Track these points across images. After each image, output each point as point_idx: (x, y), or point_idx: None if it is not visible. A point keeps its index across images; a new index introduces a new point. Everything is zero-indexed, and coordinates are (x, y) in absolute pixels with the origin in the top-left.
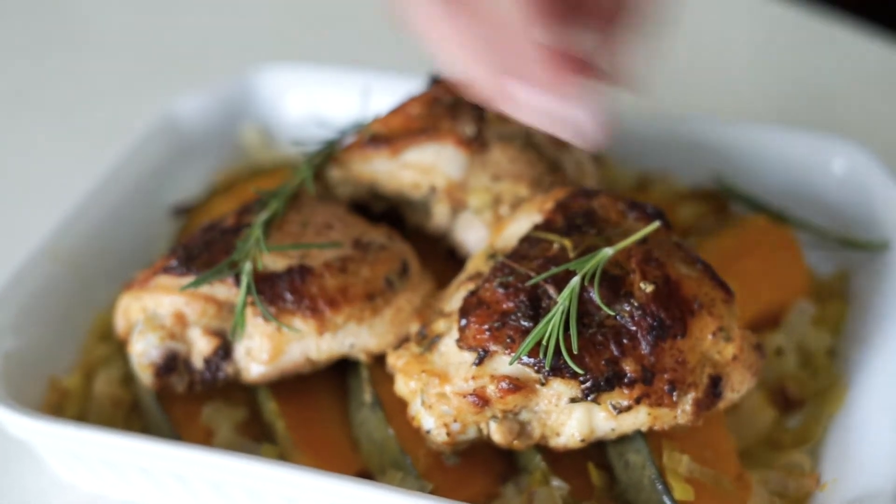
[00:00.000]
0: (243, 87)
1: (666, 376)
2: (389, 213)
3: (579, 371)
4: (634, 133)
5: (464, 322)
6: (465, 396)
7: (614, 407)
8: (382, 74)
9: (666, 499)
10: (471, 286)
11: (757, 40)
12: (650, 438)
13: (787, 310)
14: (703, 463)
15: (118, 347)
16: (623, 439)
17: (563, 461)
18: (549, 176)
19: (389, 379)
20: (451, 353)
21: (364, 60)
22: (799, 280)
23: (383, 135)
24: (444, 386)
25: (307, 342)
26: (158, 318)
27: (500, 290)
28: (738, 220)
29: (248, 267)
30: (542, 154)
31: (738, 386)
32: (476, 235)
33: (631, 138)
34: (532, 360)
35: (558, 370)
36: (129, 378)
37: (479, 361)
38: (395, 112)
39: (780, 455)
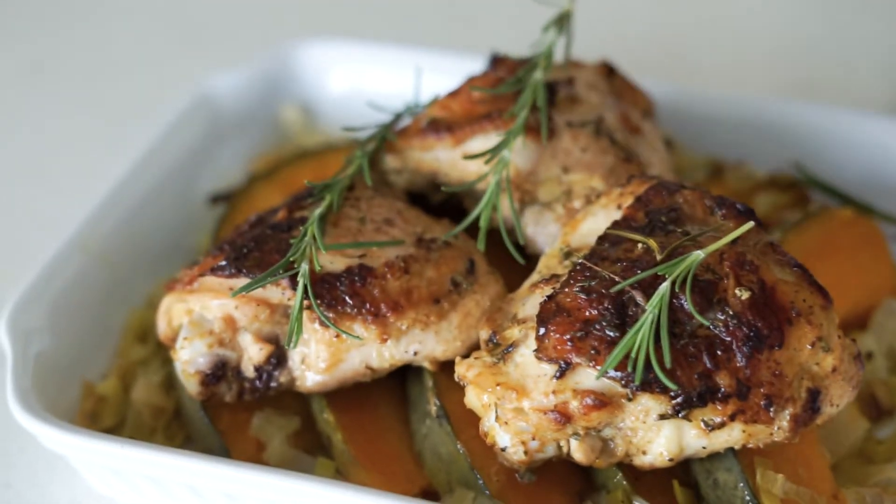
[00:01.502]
0: (284, 62)
1: (762, 390)
2: (448, 203)
3: (672, 386)
4: (706, 116)
5: (542, 331)
6: (545, 413)
7: (706, 423)
8: (435, 52)
9: None
10: (547, 290)
11: (834, 19)
12: (741, 455)
13: (874, 310)
14: (798, 482)
15: (156, 348)
16: (712, 456)
17: (645, 478)
18: (624, 165)
19: (456, 388)
20: (529, 365)
21: (413, 37)
22: (887, 277)
23: (444, 121)
24: (522, 400)
25: (368, 349)
26: (206, 322)
27: (582, 296)
28: (821, 213)
29: (304, 268)
30: (615, 141)
31: (838, 400)
32: (547, 231)
33: (703, 121)
34: (619, 373)
35: (648, 384)
36: (169, 383)
37: (561, 374)
38: (456, 94)
39: (873, 470)
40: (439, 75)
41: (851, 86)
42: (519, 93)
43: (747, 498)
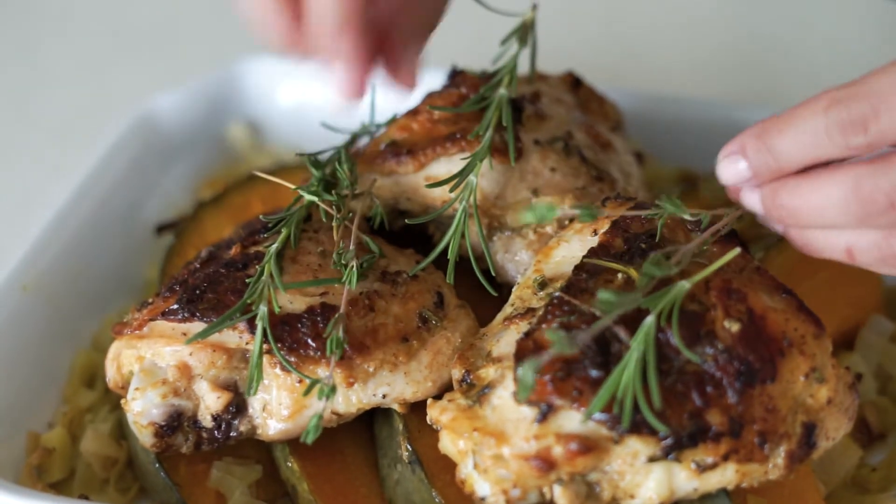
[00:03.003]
0: (229, 80)
1: (755, 427)
2: (410, 229)
3: (662, 428)
4: (677, 124)
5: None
6: (527, 460)
7: (698, 464)
8: None
9: None
10: (523, 325)
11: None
12: (733, 494)
13: (861, 327)
14: None
15: (104, 393)
16: (703, 497)
17: None
18: (596, 184)
19: (428, 430)
20: (507, 408)
21: None
22: (872, 291)
23: (405, 142)
24: (502, 447)
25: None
26: (158, 370)
27: (562, 333)
28: None
29: (263, 310)
30: (585, 159)
31: (834, 433)
32: (518, 258)
33: (673, 130)
34: (605, 416)
35: (636, 426)
36: (120, 432)
37: (543, 418)
38: (415, 113)
39: (868, 500)
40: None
41: (814, 87)
42: (483, 110)
43: None
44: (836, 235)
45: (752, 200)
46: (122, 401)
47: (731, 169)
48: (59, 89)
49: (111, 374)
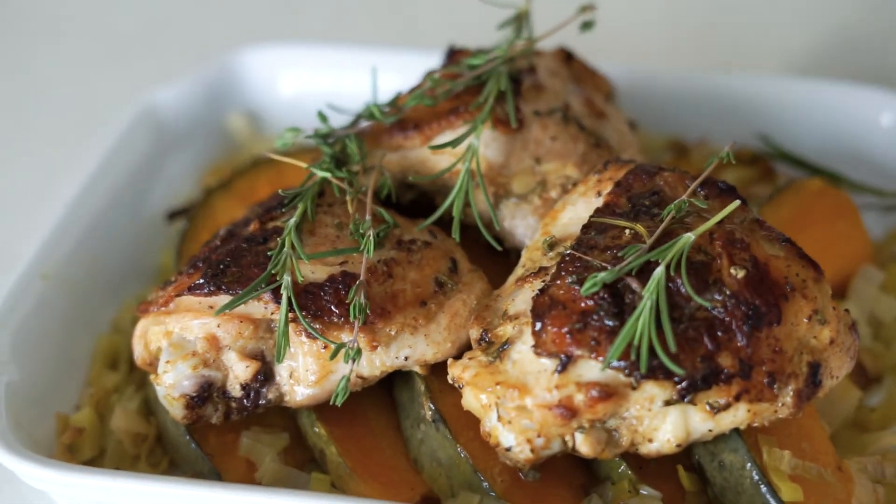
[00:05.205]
0: (227, 70)
1: (764, 368)
2: (419, 204)
3: (678, 371)
4: (666, 93)
5: (538, 325)
6: (549, 409)
7: (711, 406)
8: (387, 50)
9: (773, 501)
10: (537, 283)
11: None
12: (745, 436)
13: (851, 278)
14: (803, 457)
15: (128, 374)
16: (716, 438)
17: (648, 467)
18: (595, 151)
19: (449, 390)
20: (527, 361)
21: (360, 37)
22: (861, 245)
23: (411, 118)
24: (524, 398)
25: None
26: (187, 343)
27: (577, 287)
28: (791, 186)
29: (287, 280)
30: (583, 127)
31: (837, 371)
32: (525, 224)
33: (663, 99)
34: (623, 363)
35: (652, 372)
36: (147, 409)
37: (563, 368)
38: (417, 92)
39: (869, 438)
40: (394, 74)
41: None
42: (482, 85)
43: (756, 477)
44: None
45: None
46: (152, 376)
47: None
48: (57, 92)
49: (139, 352)
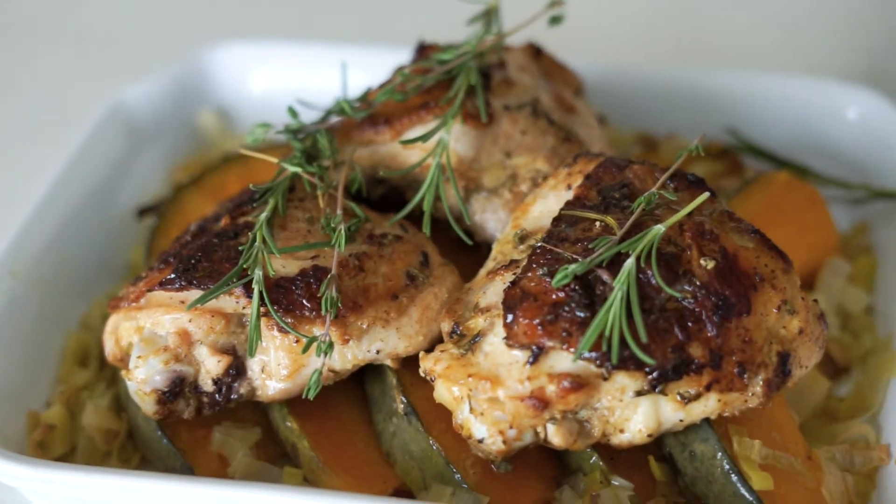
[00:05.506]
0: (197, 68)
1: (735, 358)
2: (389, 200)
3: (649, 362)
4: (635, 88)
5: (510, 317)
6: (521, 400)
7: (682, 396)
8: (357, 47)
9: (744, 490)
10: (508, 276)
11: None
12: (715, 425)
13: (819, 270)
14: (773, 446)
15: (98, 371)
16: (686, 429)
17: (620, 457)
18: (565, 145)
19: (420, 383)
20: (499, 353)
21: (330, 34)
22: (828, 237)
23: (381, 113)
24: (496, 390)
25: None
26: (158, 338)
27: (548, 279)
28: (759, 178)
29: (258, 274)
30: (553, 122)
31: (806, 361)
32: (495, 217)
33: (632, 94)
34: (594, 354)
35: (623, 362)
36: (118, 405)
37: (534, 360)
38: (387, 87)
39: (838, 427)
40: (364, 70)
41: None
42: (452, 80)
43: (727, 467)
44: None
45: None
46: (123, 371)
47: None
48: (27, 92)
49: (110, 348)
